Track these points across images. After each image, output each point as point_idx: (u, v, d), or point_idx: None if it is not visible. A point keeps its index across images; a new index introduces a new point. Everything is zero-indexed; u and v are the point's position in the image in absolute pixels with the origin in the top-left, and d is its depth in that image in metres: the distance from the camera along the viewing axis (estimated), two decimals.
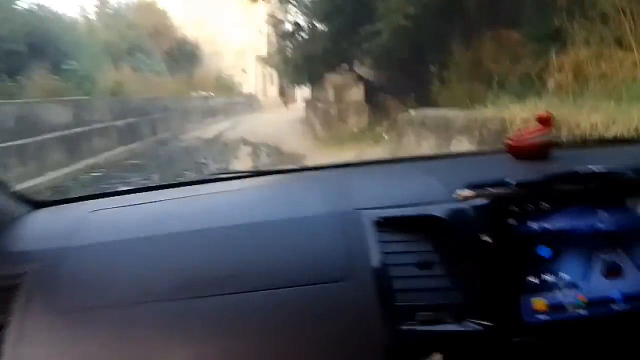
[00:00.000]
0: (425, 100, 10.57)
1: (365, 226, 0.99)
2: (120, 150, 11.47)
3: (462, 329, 0.86)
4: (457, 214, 0.96)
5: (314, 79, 14.70)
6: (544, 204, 0.92)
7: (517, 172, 1.03)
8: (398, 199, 1.08)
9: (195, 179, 1.45)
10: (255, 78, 36.05)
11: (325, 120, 12.43)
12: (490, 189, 0.96)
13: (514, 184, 0.94)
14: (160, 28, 29.82)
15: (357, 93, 12.20)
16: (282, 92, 40.06)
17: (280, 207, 1.13)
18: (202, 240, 1.01)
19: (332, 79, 12.81)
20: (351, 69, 13.36)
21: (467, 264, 0.92)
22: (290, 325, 0.88)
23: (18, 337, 0.86)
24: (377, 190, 1.18)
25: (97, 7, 25.50)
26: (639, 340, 0.88)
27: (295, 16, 15.23)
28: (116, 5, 27.53)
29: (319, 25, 14.00)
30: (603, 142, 1.84)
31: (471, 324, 0.86)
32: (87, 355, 0.85)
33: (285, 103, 33.39)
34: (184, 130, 16.87)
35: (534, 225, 0.91)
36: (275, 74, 38.59)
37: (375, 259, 0.93)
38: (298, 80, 16.70)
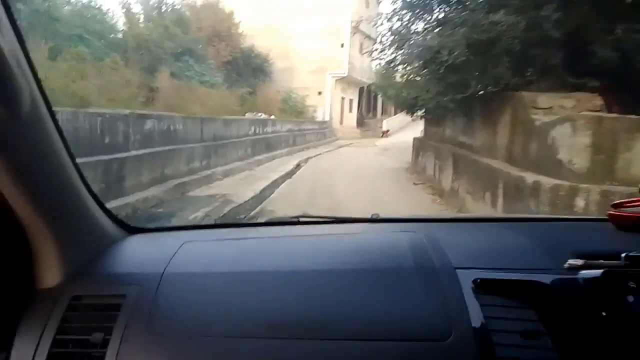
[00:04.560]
0: None
1: (464, 286, 0.91)
2: None
3: None
4: (567, 284, 0.87)
5: (489, 99, 6.11)
6: None
7: (621, 243, 0.94)
8: (497, 261, 1.00)
9: (284, 220, 1.39)
10: (331, 103, 28.10)
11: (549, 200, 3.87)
12: (602, 261, 0.87)
13: (628, 257, 0.85)
14: (222, 33, 22.87)
15: None
16: (361, 122, 32.09)
17: (372, 256, 1.04)
18: (295, 282, 0.96)
19: (570, 99, 4.33)
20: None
21: (578, 339, 0.82)
22: None
23: (116, 357, 0.85)
24: (473, 249, 1.07)
25: None
26: None
27: None
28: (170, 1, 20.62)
29: None
30: None
31: None
32: None
33: (383, 135, 25.38)
34: (207, 178, 8.86)
35: None
36: (354, 100, 31.39)
37: (476, 323, 0.85)
38: (444, 101, 6.62)
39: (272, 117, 17.03)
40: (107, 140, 6.15)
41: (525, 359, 0.81)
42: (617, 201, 1.13)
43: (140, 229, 1.24)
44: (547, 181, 4.11)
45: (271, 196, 8.11)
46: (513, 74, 5.43)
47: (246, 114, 16.09)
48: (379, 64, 7.50)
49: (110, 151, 6.12)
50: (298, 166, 12.60)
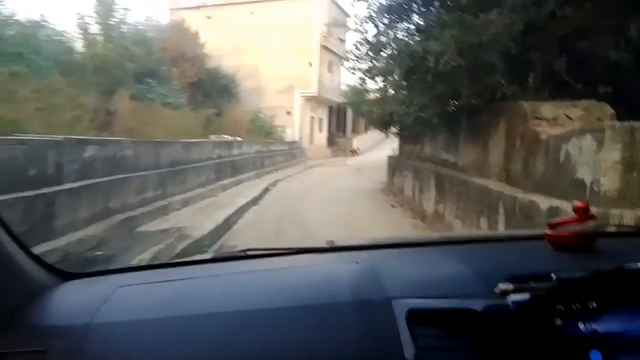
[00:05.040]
0: None
1: (399, 318, 0.85)
2: None
3: None
4: (498, 310, 0.82)
5: (478, 111, 5.27)
6: (592, 303, 0.77)
7: (557, 264, 0.92)
8: (432, 288, 0.95)
9: (229, 255, 1.34)
10: (301, 122, 27.29)
11: None
12: (533, 284, 0.82)
13: (558, 279, 0.80)
14: (187, 53, 22.00)
15: None
16: (332, 141, 31.39)
17: (313, 292, 0.97)
18: (227, 324, 0.89)
19: (577, 108, 3.56)
20: None
21: None
22: None
23: None
24: (409, 277, 1.02)
25: (98, 14, 17.30)
26: None
27: None
28: (131, 20, 19.52)
29: None
30: None
31: None
32: None
33: (353, 154, 24.87)
34: (162, 209, 7.77)
35: (582, 326, 0.76)
36: (324, 119, 30.62)
37: (410, 355, 0.79)
38: (441, 111, 5.59)
39: (238, 138, 16.03)
40: (31, 172, 5.06)
41: None
42: (554, 220, 1.07)
43: (76, 274, 1.10)
44: (568, 207, 3.28)
45: (234, 227, 7.10)
46: (509, 81, 4.64)
47: (210, 136, 15.12)
48: (353, 73, 6.59)
49: (36, 186, 5.01)
50: (266, 190, 11.61)
